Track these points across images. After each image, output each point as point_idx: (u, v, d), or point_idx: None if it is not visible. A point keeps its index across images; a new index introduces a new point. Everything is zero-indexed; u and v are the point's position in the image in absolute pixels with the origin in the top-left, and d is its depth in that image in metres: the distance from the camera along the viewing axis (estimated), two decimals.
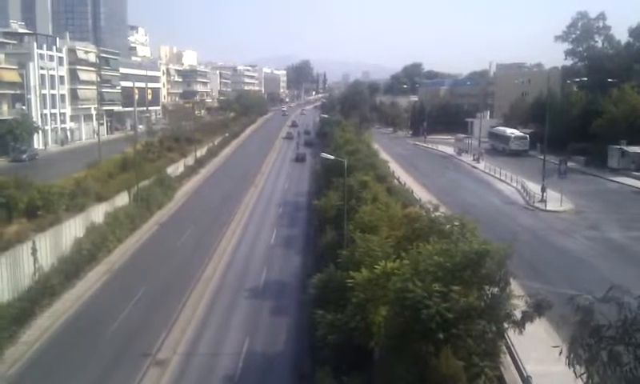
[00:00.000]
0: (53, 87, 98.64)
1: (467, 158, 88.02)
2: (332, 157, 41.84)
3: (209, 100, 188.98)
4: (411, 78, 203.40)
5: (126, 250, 42.69)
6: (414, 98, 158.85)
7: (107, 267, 38.73)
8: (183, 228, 48.45)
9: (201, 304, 32.73)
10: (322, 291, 26.05)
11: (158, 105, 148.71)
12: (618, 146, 71.69)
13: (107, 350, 27.29)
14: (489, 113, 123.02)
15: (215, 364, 26.20)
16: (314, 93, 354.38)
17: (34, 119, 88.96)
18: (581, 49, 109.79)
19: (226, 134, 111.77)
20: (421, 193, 54.27)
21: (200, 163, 79.74)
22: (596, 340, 7.86)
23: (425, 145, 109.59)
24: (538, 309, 15.03)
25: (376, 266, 19.77)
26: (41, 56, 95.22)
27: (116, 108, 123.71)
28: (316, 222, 44.68)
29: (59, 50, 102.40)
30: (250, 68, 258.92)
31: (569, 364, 7.94)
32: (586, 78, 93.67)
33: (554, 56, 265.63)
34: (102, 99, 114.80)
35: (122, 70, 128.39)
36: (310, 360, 24.70)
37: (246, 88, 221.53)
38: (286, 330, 29.65)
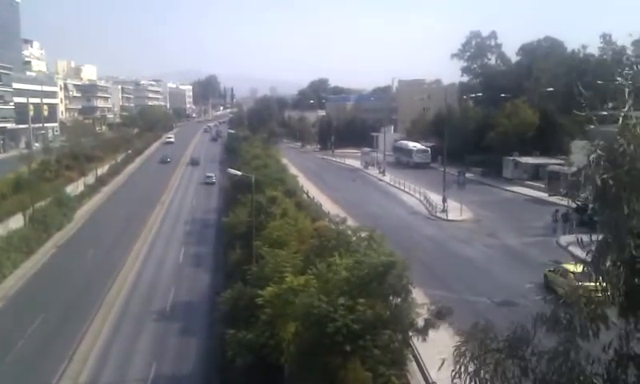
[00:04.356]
0: None
1: (373, 171, 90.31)
2: (239, 173, 41.57)
3: (110, 115, 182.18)
4: (318, 93, 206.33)
5: (23, 275, 40.15)
6: (322, 113, 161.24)
7: (2, 294, 36.23)
8: (84, 250, 46.20)
9: (104, 330, 31.31)
10: (231, 309, 25.74)
11: (56, 121, 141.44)
12: (512, 157, 76.14)
13: (4, 381, 25.44)
14: (393, 127, 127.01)
15: None
16: (221, 108, 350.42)
17: None
18: (475, 66, 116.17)
19: (129, 151, 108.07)
20: (329, 206, 54.97)
21: (101, 182, 76.55)
22: (482, 352, 8.25)
23: (333, 159, 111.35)
24: (438, 316, 15.64)
25: (284, 282, 19.81)
26: None
27: (9, 125, 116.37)
28: (225, 239, 44.11)
29: None
30: (153, 82, 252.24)
31: (453, 375, 8.30)
32: (481, 94, 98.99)
33: (451, 73, 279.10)
34: None
35: (16, 85, 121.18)
36: (219, 381, 24.27)
37: (149, 103, 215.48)
38: (195, 351, 28.99)
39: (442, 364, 9.70)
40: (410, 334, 17.26)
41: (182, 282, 39.27)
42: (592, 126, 8.30)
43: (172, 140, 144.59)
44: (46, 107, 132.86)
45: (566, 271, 30.00)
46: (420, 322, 16.65)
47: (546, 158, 71.88)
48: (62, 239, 50.03)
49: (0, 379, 25.82)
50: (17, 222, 46.54)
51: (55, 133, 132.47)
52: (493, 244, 45.84)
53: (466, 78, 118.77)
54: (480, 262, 41.02)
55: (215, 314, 29.36)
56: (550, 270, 33.14)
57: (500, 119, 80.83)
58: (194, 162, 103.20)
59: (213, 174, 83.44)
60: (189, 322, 32.66)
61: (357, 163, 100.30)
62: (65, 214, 55.01)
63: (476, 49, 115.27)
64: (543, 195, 63.34)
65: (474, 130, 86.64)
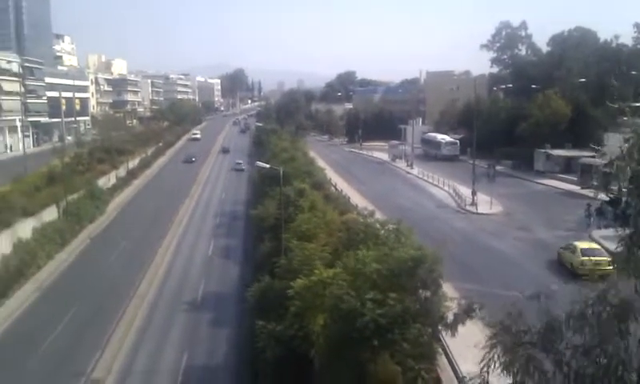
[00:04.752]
0: None
1: (401, 164, 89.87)
2: (267, 165, 41.78)
3: (140, 109, 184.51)
4: (345, 85, 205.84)
5: (57, 267, 41.08)
6: (349, 106, 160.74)
7: (37, 285, 37.13)
8: (116, 242, 47.07)
9: (136, 320, 31.89)
10: (260, 301, 25.96)
11: (87, 115, 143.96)
12: (543, 150, 74.95)
13: (39, 370, 26.19)
14: (421, 119, 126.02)
15: (152, 381, 25.64)
16: (249, 101, 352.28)
17: None
18: (505, 57, 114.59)
19: (160, 144, 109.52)
20: (357, 199, 54.94)
21: (132, 174, 77.68)
22: (514, 344, 8.20)
23: (360, 152, 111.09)
24: (468, 311, 15.54)
25: (313, 274, 19.89)
26: None
27: (42, 119, 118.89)
28: (254, 232, 44.45)
29: None
30: (182, 77, 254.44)
31: (482, 368, 8.26)
32: (511, 85, 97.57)
33: (481, 64, 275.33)
34: (27, 110, 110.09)
35: (48, 80, 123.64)
36: (249, 372, 24.53)
37: (179, 97, 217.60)
38: (226, 342, 29.35)
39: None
40: (440, 327, 17.19)
41: (212, 274, 39.76)
42: (625, 118, 8.16)
43: (198, 136, 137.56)
44: (77, 101, 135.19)
45: (575, 247, 34.70)
46: (450, 317, 16.56)
47: (579, 150, 70.53)
48: (94, 231, 51.00)
49: (36, 367, 26.51)
50: (51, 214, 47.54)
51: (87, 126, 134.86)
52: (523, 237, 45.29)
53: (495, 69, 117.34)
54: (510, 256, 40.59)
55: (244, 305, 29.66)
56: (561, 248, 37.00)
57: (531, 110, 79.59)
58: (224, 150, 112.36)
59: (242, 161, 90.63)
60: (219, 313, 33.07)
61: (384, 156, 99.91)
62: (97, 207, 56.04)
63: (506, 39, 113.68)
64: (576, 188, 62.29)
65: (504, 122, 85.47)
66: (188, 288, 37.04)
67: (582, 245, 35.13)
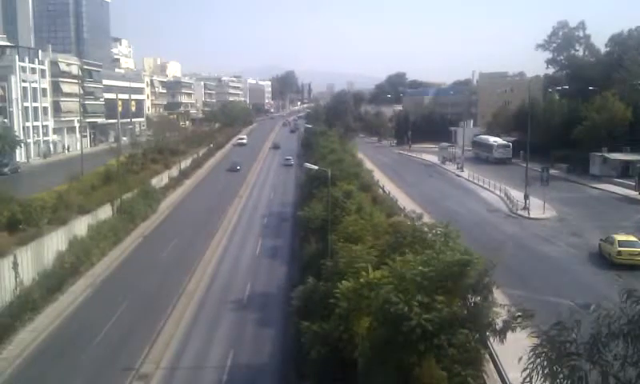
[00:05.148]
0: (35, 100, 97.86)
1: (451, 167, 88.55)
2: (315, 167, 41.84)
3: (193, 111, 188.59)
4: (395, 87, 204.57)
5: (110, 263, 42.30)
6: (399, 108, 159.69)
7: (90, 281, 38.32)
8: (167, 240, 48.12)
9: (184, 317, 32.48)
10: (306, 302, 25.99)
11: (142, 116, 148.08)
12: (600, 153, 72.50)
13: (90, 364, 26.96)
14: (472, 121, 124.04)
15: (199, 377, 26.01)
16: (299, 103, 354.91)
17: (16, 132, 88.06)
18: (562, 57, 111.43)
19: (211, 145, 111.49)
20: (405, 202, 54.45)
21: (184, 175, 79.35)
22: (559, 355, 7.87)
23: (409, 154, 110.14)
24: (518, 318, 15.09)
25: (359, 276, 19.76)
26: (23, 69, 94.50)
27: (99, 120, 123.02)
28: (301, 233, 44.61)
29: (41, 63, 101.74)
30: (234, 79, 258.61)
31: (526, 378, 7.97)
32: (567, 86, 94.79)
33: (536, 65, 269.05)
34: (85, 111, 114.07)
35: (106, 82, 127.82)
36: (294, 372, 24.59)
37: (230, 99, 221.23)
38: (271, 342, 29.52)
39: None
40: (487, 334, 16.78)
41: (259, 274, 40.09)
42: None
43: (244, 141, 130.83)
44: (133, 103, 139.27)
45: (613, 239, 37.87)
46: (499, 323, 16.14)
47: (637, 154, 67.89)
48: (147, 229, 52.29)
49: (88, 361, 27.32)
50: (105, 212, 48.98)
51: (142, 127, 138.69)
52: (577, 243, 43.92)
53: (551, 70, 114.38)
54: (563, 262, 39.42)
55: (290, 306, 29.78)
56: (601, 239, 39.90)
57: (588, 113, 77.16)
58: (275, 146, 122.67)
59: (291, 157, 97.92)
60: (265, 312, 33.31)
61: (434, 158, 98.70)
62: (150, 205, 57.46)
63: (563, 40, 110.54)
64: (634, 193, 60.05)
65: (559, 125, 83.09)
66: (235, 287, 37.48)
67: (620, 237, 38.25)
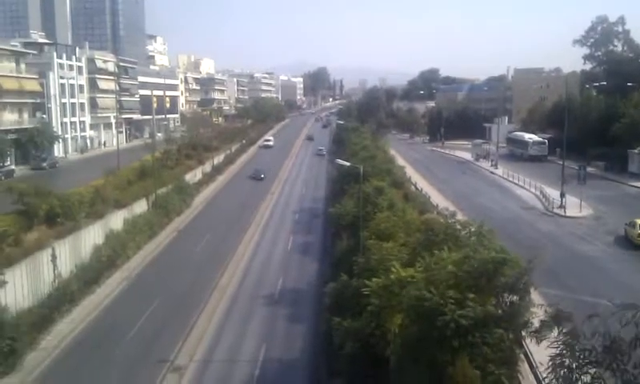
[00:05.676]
0: (72, 96, 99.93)
1: (485, 164, 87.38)
2: (347, 163, 41.78)
3: (226, 107, 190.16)
4: (428, 83, 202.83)
5: (145, 257, 43.04)
6: (431, 104, 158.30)
7: (126, 274, 39.07)
8: (201, 235, 48.74)
9: (218, 311, 32.89)
10: (337, 299, 26.02)
11: (177, 112, 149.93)
12: (638, 151, 70.65)
13: (125, 355, 27.53)
14: (507, 118, 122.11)
15: (232, 371, 26.30)
16: (330, 99, 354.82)
17: (54, 128, 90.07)
18: (599, 53, 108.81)
19: (243, 141, 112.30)
20: (438, 199, 54.01)
21: (217, 170, 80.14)
22: (579, 364, 7.70)
23: (442, 150, 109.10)
24: (556, 319, 14.77)
25: (390, 273, 19.68)
26: (60, 65, 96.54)
27: (135, 116, 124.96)
28: (332, 229, 44.64)
29: (79, 60, 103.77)
30: (266, 75, 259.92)
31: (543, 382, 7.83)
32: (605, 82, 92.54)
33: (572, 61, 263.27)
34: (120, 107, 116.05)
35: (141, 79, 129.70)
36: (325, 368, 24.67)
37: (262, 95, 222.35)
38: (302, 337, 29.67)
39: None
40: (523, 334, 16.53)
41: (290, 269, 40.30)
42: None
43: (271, 143, 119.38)
44: (168, 99, 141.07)
45: (635, 223, 41.85)
46: (535, 323, 15.87)
47: None
48: (181, 224, 53.03)
49: (123, 353, 27.88)
50: (141, 206, 49.83)
51: (176, 123, 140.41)
52: (614, 243, 42.93)
53: (588, 66, 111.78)
54: (600, 261, 38.60)
55: (322, 302, 29.86)
56: (626, 224, 43.43)
57: (626, 109, 75.22)
58: (309, 138, 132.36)
59: (323, 148, 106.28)
60: (296, 308, 33.49)
61: (467, 155, 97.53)
62: (184, 200, 58.28)
63: (601, 35, 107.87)
64: None
65: (597, 121, 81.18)
66: (267, 282, 37.76)
67: None
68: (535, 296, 18.58)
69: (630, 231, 42.52)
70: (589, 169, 64.72)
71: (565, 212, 52.68)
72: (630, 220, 43.07)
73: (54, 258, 34.03)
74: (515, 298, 16.98)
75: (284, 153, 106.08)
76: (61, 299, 32.17)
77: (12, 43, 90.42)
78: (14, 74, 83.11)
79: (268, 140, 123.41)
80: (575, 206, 52.98)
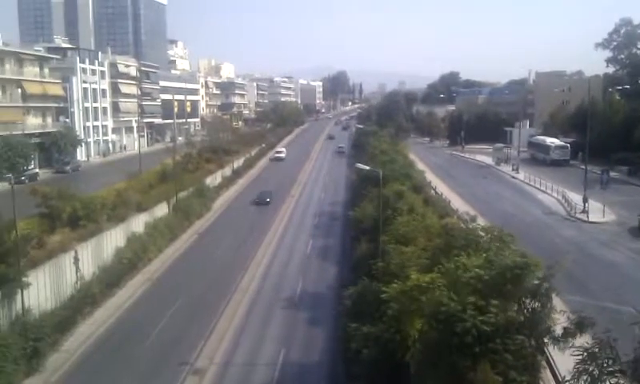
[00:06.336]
0: (95, 100, 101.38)
1: (506, 168, 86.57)
2: (367, 167, 41.71)
3: (246, 111, 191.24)
4: (448, 87, 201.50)
5: (166, 260, 43.38)
6: (452, 108, 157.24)
7: (147, 276, 39.41)
8: (221, 238, 49.01)
9: (237, 314, 33.00)
10: (357, 303, 25.96)
11: (197, 117, 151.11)
12: None
13: (146, 358, 27.74)
14: (528, 122, 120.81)
15: (251, 374, 26.37)
16: (350, 103, 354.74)
17: (77, 131, 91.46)
18: (622, 56, 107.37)
19: (263, 145, 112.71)
20: (458, 203, 53.65)
21: (237, 174, 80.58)
22: (602, 373, 7.57)
23: (462, 154, 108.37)
24: (579, 326, 14.59)
25: (410, 278, 19.57)
26: (83, 70, 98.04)
27: (156, 120, 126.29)
28: (351, 233, 44.56)
29: (101, 64, 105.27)
30: (286, 79, 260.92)
31: None
32: (628, 86, 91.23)
33: (594, 64, 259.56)
34: (142, 112, 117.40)
35: (162, 83, 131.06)
36: (344, 373, 24.61)
37: (282, 99, 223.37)
38: (322, 341, 29.63)
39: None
40: (546, 340, 16.35)
41: (310, 273, 40.27)
42: None
43: (282, 156, 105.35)
44: (189, 103, 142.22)
45: None
46: (557, 330, 15.69)
47: None
48: (201, 227, 53.36)
49: (144, 355, 28.11)
50: (162, 210, 50.27)
51: (197, 127, 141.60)
52: (638, 249, 42.24)
53: (611, 69, 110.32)
54: (624, 268, 38.02)
55: (341, 306, 29.81)
56: (639, 215, 47.47)
57: None
58: (330, 137, 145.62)
59: (343, 146, 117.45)
60: (316, 311, 33.46)
61: (488, 159, 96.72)
62: (204, 204, 58.66)
63: (625, 37, 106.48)
64: None
65: (620, 125, 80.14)
66: (286, 285, 37.80)
67: None
68: (558, 302, 18.38)
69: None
70: (612, 173, 63.87)
71: (587, 217, 51.99)
72: None
73: (76, 260, 34.46)
74: (537, 304, 16.81)
75: (300, 162, 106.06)
76: (83, 301, 32.55)
77: (36, 48, 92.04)
78: (38, 79, 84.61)
79: (279, 152, 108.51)
80: (598, 211, 52.26)
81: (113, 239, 40.20)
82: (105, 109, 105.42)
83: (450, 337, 15.89)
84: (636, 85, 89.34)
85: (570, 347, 12.34)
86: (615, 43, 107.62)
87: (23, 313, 28.15)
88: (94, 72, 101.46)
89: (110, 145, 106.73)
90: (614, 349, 7.98)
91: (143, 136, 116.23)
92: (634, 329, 9.98)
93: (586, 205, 53.42)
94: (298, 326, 31.47)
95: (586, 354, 8.31)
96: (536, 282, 16.33)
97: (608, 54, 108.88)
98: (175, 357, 27.68)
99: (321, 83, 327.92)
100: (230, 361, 27.54)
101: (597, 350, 8.09)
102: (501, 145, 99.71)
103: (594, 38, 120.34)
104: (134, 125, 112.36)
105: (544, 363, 18.99)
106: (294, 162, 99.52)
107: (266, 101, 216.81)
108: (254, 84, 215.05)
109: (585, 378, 7.98)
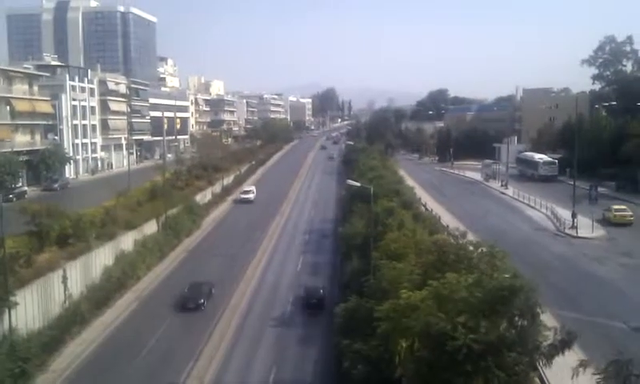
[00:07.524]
0: (84, 118, 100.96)
1: (495, 184, 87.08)
2: (358, 184, 41.76)
3: (235, 128, 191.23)
4: (437, 103, 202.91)
5: (155, 278, 43.04)
6: (440, 124, 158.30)
7: (136, 295, 39.06)
8: (210, 256, 48.74)
9: (228, 333, 32.74)
10: (348, 321, 25.84)
11: (187, 134, 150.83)
12: None
13: (135, 378, 27.41)
14: (516, 138, 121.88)
15: None
16: (339, 120, 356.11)
17: (66, 149, 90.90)
18: (608, 73, 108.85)
19: (253, 162, 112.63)
20: (448, 219, 53.80)
21: (227, 191, 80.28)
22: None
23: (451, 171, 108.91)
24: (563, 342, 14.63)
25: (401, 296, 19.50)
26: (73, 87, 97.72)
27: (145, 137, 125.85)
28: (342, 250, 44.48)
29: (90, 82, 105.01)
30: (275, 96, 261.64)
31: None
32: (615, 102, 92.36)
33: (580, 81, 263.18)
34: (131, 129, 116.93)
35: (152, 101, 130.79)
36: None
37: (271, 116, 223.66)
38: (313, 359, 29.44)
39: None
40: (537, 356, 16.35)
41: (301, 290, 40.02)
42: None
43: (250, 197, 77.46)
44: (178, 121, 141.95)
45: (611, 208, 56.76)
46: (546, 346, 15.71)
47: None
48: (190, 245, 53.05)
49: (135, 375, 27.77)
50: (151, 227, 49.92)
51: (186, 144, 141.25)
52: (628, 264, 42.58)
53: (597, 86, 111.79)
54: (614, 283, 38.20)
55: (332, 324, 29.67)
56: (604, 210, 56.56)
57: (636, 129, 74.90)
58: (323, 147, 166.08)
59: (334, 153, 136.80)
60: (306, 329, 33.28)
61: (477, 176, 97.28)
62: (194, 221, 58.34)
63: (610, 54, 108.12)
64: None
65: (607, 141, 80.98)
66: (277, 303, 37.60)
67: (615, 206, 57.29)
68: (549, 318, 18.45)
69: (607, 214, 55.27)
70: (600, 189, 64.39)
71: (577, 233, 52.31)
72: (608, 207, 55.13)
73: (64, 279, 34.09)
74: (525, 321, 16.84)
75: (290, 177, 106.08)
76: (71, 320, 32.17)
77: (25, 66, 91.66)
78: (27, 96, 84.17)
79: (246, 192, 79.43)
80: (587, 227, 52.61)
81: (101, 257, 39.84)
82: (94, 126, 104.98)
83: (441, 355, 15.84)
84: (622, 101, 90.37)
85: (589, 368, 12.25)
86: (601, 60, 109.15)
87: (10, 332, 27.74)
88: (83, 89, 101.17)
89: (99, 162, 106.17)
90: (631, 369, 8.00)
91: (132, 153, 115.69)
92: (623, 343, 10.02)
93: (575, 220, 53.77)
94: (288, 344, 31.26)
95: (605, 372, 8.29)
96: (524, 300, 16.36)
97: (594, 70, 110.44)
98: (165, 377, 27.37)
99: (310, 100, 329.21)
100: (221, 380, 27.28)
101: (617, 368, 8.09)
102: (490, 161, 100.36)
103: (580, 54, 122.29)
104: (123, 142, 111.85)
105: (537, 380, 18.98)
106: (283, 179, 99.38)
107: (255, 118, 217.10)
108: (244, 101, 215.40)
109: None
